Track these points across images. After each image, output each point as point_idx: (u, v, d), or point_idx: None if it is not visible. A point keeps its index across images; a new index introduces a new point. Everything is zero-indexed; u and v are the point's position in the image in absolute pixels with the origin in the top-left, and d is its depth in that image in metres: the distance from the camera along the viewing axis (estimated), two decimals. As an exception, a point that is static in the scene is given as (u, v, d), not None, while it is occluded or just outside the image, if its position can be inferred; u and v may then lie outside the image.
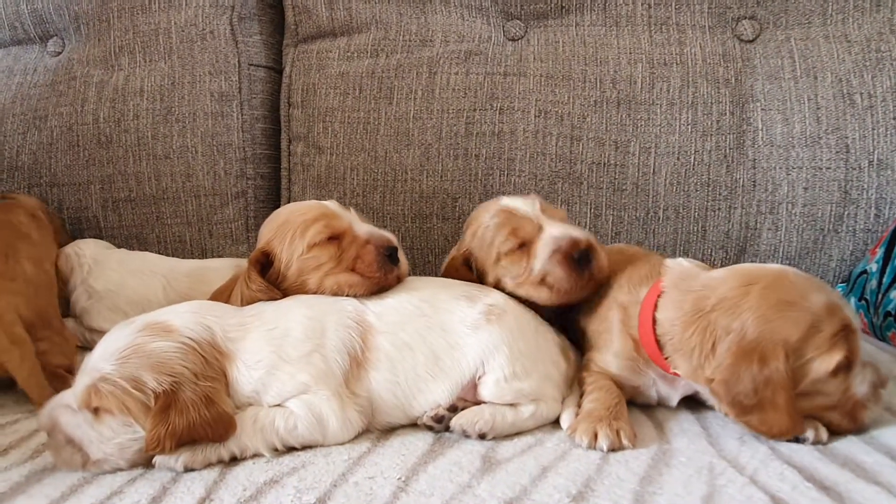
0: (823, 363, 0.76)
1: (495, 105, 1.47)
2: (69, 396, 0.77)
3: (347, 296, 0.88)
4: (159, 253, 1.53)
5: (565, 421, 0.87)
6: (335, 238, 0.88)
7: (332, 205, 0.93)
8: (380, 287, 0.89)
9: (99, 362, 0.76)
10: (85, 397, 0.75)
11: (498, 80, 1.48)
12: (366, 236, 0.89)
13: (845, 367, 0.78)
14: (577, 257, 0.92)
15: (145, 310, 1.20)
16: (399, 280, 0.91)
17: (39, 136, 1.60)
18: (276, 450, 0.79)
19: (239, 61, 1.57)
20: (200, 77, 1.56)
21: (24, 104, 1.63)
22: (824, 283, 0.83)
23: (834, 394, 0.79)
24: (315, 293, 0.88)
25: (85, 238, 1.47)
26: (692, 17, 1.47)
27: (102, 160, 1.56)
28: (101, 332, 1.24)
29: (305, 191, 1.56)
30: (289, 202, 1.59)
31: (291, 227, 0.88)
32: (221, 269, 1.33)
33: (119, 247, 1.51)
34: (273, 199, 1.62)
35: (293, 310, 0.85)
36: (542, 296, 0.94)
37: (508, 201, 1.01)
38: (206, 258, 1.52)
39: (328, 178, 1.53)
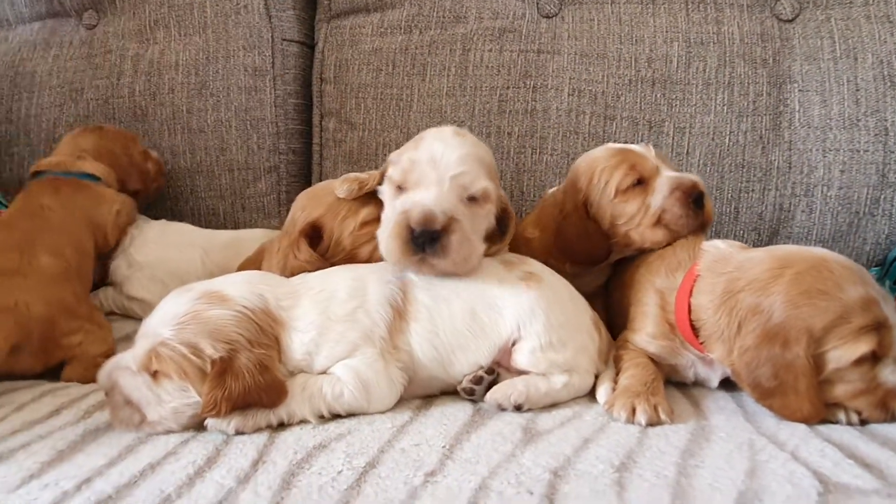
0: (847, 352, 0.76)
1: (528, 83, 1.47)
2: (129, 358, 0.79)
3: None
4: (193, 224, 1.56)
5: (602, 396, 0.89)
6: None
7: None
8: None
9: (159, 327, 0.78)
10: (145, 360, 0.77)
11: (531, 57, 1.48)
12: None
13: (870, 359, 0.77)
14: (695, 198, 0.96)
15: (184, 280, 1.24)
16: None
17: (76, 108, 1.62)
18: (322, 417, 0.81)
19: (272, 36, 1.58)
20: (234, 52, 1.57)
21: (60, 77, 1.65)
22: (869, 277, 0.81)
23: (859, 382, 0.78)
24: (366, 262, 0.90)
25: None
26: (731, -5, 1.45)
27: (138, 133, 1.57)
28: (141, 301, 1.29)
29: (337, 166, 1.57)
30: (320, 177, 1.60)
31: (345, 206, 0.90)
32: (256, 239, 1.35)
33: (155, 219, 1.54)
34: (304, 174, 1.64)
35: (337, 274, 0.88)
36: (655, 237, 0.97)
37: (622, 145, 1.05)
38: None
39: (360, 153, 1.54)
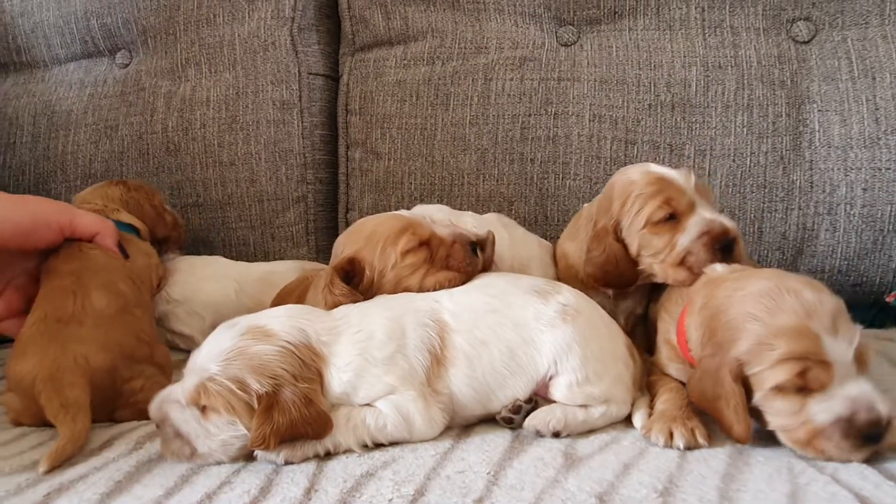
0: (765, 378, 0.75)
1: (550, 110, 1.50)
2: (178, 392, 0.82)
3: (446, 288, 0.93)
4: (224, 255, 1.60)
5: (638, 421, 0.90)
6: (424, 243, 0.93)
7: (406, 213, 0.98)
8: (469, 278, 0.96)
9: (206, 363, 0.81)
10: (194, 395, 0.80)
11: (552, 85, 1.51)
12: (451, 237, 0.95)
13: (795, 391, 0.74)
14: (723, 245, 0.94)
15: (220, 313, 1.28)
16: (482, 268, 0.98)
17: (111, 144, 1.68)
18: (366, 446, 0.83)
19: (299, 70, 1.63)
20: (263, 86, 1.62)
21: (95, 115, 1.71)
22: (828, 311, 0.75)
23: (786, 415, 0.76)
24: (417, 292, 0.93)
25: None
26: (746, 20, 1.48)
27: (171, 167, 1.63)
28: (182, 335, 1.32)
29: (363, 195, 1.61)
30: (347, 206, 1.65)
31: (381, 238, 0.92)
32: (287, 272, 1.39)
33: (187, 251, 1.58)
34: (331, 203, 1.68)
35: (375, 313, 0.90)
36: (678, 276, 0.96)
37: (662, 169, 1.00)
38: (269, 260, 1.58)
39: (386, 182, 1.58)
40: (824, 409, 0.74)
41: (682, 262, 0.96)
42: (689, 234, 0.96)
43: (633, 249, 1.01)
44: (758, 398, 0.77)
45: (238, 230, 1.63)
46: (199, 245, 1.64)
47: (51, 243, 1.08)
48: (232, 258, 1.59)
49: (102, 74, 1.75)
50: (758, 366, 0.76)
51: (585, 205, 1.19)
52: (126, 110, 1.68)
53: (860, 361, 0.75)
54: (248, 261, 1.54)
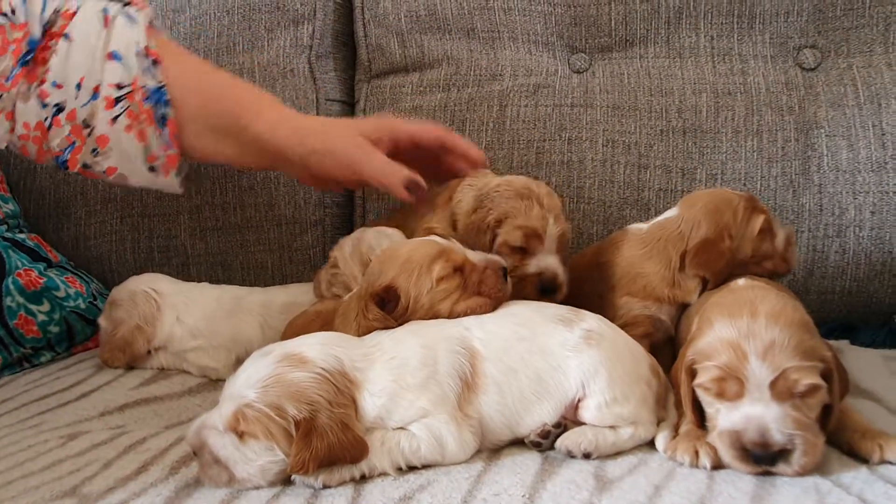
0: (698, 376, 0.88)
1: (564, 135, 1.54)
2: (216, 418, 0.84)
3: (476, 314, 0.95)
4: (243, 277, 1.62)
5: (661, 443, 0.92)
6: (458, 269, 0.96)
7: (439, 239, 1.00)
8: (499, 304, 0.99)
9: (243, 389, 0.83)
10: (232, 421, 0.82)
11: (566, 111, 1.55)
12: (483, 263, 0.98)
13: (713, 392, 0.86)
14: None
15: (246, 347, 1.29)
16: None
17: (131, 169, 1.70)
18: (400, 469, 0.85)
19: (317, 97, 1.66)
20: (282, 113, 1.65)
21: (115, 140, 1.74)
22: (774, 337, 0.83)
23: (712, 418, 0.88)
24: (447, 318, 0.95)
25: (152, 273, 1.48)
26: (754, 48, 1.52)
27: (191, 191, 1.66)
28: (210, 368, 1.32)
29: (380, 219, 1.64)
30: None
31: (416, 265, 0.95)
32: (307, 304, 1.38)
33: (205, 272, 1.61)
34: (348, 226, 1.70)
35: (407, 340, 0.92)
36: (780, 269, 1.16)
37: (739, 192, 1.18)
38: (287, 282, 1.59)
39: (403, 206, 1.60)
40: (725, 417, 0.84)
41: (785, 259, 1.15)
42: (780, 238, 1.15)
43: (744, 254, 1.12)
44: (696, 391, 0.88)
45: (256, 253, 1.65)
46: (217, 268, 1.66)
47: None
48: (250, 281, 1.62)
49: (122, 101, 1.78)
50: (698, 365, 0.87)
51: (642, 226, 1.20)
52: (146, 136, 1.71)
53: (783, 392, 0.82)
54: (265, 284, 1.55)
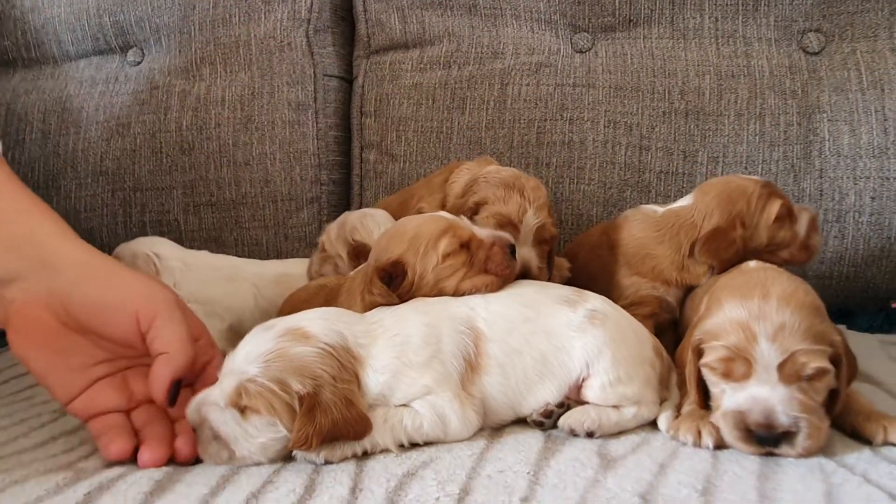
0: (705, 356, 0.87)
1: (565, 115, 1.52)
2: (217, 394, 0.82)
3: (482, 293, 0.94)
4: (236, 254, 1.59)
5: (663, 423, 0.92)
6: (464, 245, 0.94)
7: (447, 215, 0.99)
8: (507, 282, 0.96)
9: (245, 365, 0.81)
10: (233, 396, 0.80)
11: (567, 90, 1.53)
12: (490, 239, 0.96)
13: (720, 373, 0.85)
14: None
15: (238, 316, 1.28)
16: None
17: (123, 142, 1.67)
18: (402, 446, 0.84)
19: (315, 72, 1.63)
20: (279, 87, 1.62)
21: (106, 112, 1.70)
22: (785, 320, 0.83)
23: (716, 397, 0.87)
24: (452, 296, 0.93)
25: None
26: (758, 30, 1.51)
27: (185, 166, 1.63)
28: None
29: (377, 196, 1.62)
30: (360, 207, 1.65)
31: (423, 240, 0.93)
32: (301, 275, 1.38)
33: (198, 248, 1.57)
34: (344, 204, 1.68)
35: (411, 318, 0.91)
36: (801, 257, 1.16)
37: (755, 178, 1.17)
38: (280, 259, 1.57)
39: (401, 184, 1.59)
40: (730, 398, 0.83)
41: (805, 247, 1.14)
42: (802, 224, 1.13)
43: (759, 242, 1.11)
44: (702, 370, 0.88)
45: (251, 230, 1.63)
46: (211, 244, 1.63)
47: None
48: (244, 258, 1.59)
49: (114, 72, 1.74)
50: (706, 344, 0.86)
51: (658, 209, 1.19)
52: (139, 108, 1.68)
53: (791, 375, 0.81)
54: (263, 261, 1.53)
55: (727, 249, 1.08)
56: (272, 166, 1.61)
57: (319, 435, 0.78)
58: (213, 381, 0.85)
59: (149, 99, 1.67)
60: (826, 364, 0.81)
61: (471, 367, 0.89)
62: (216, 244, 1.64)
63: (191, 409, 0.84)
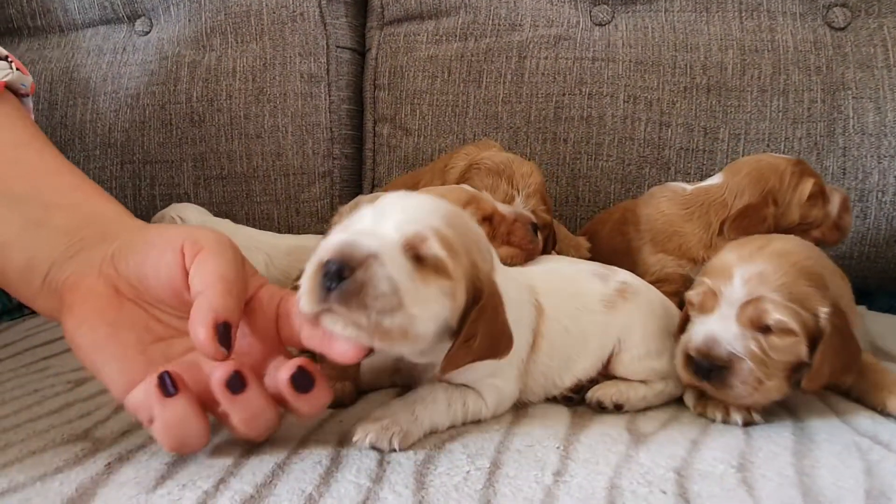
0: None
1: (584, 90, 1.49)
2: (377, 244, 0.68)
3: (507, 265, 0.91)
4: (247, 229, 1.58)
5: (690, 399, 0.90)
6: (487, 219, 0.92)
7: (469, 188, 0.97)
8: (530, 257, 0.95)
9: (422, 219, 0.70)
10: (413, 240, 0.69)
11: (587, 65, 1.50)
12: (512, 215, 0.94)
13: (697, 308, 0.86)
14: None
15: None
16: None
17: (132, 113, 1.64)
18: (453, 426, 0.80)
19: (327, 43, 1.60)
20: (291, 58, 1.59)
21: (115, 83, 1.67)
22: (765, 270, 0.82)
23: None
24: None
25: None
26: (783, 4, 1.47)
27: (195, 138, 1.60)
28: None
29: (391, 171, 1.59)
30: (373, 182, 1.63)
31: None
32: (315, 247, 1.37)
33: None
34: (356, 179, 1.66)
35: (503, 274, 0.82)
36: (833, 237, 1.17)
37: (785, 156, 1.17)
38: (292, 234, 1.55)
39: (415, 158, 1.56)
40: (693, 328, 0.84)
41: (837, 227, 1.15)
42: (834, 204, 1.13)
43: (791, 219, 1.10)
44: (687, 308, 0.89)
45: (262, 204, 1.61)
46: (222, 218, 1.61)
47: None
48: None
49: (122, 42, 1.71)
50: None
51: (687, 186, 1.18)
52: (147, 79, 1.64)
53: (752, 319, 0.80)
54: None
55: (758, 227, 1.06)
56: (284, 139, 1.58)
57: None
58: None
59: (158, 69, 1.64)
60: (792, 324, 0.78)
61: (530, 344, 0.84)
62: (227, 218, 1.60)
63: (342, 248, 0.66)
